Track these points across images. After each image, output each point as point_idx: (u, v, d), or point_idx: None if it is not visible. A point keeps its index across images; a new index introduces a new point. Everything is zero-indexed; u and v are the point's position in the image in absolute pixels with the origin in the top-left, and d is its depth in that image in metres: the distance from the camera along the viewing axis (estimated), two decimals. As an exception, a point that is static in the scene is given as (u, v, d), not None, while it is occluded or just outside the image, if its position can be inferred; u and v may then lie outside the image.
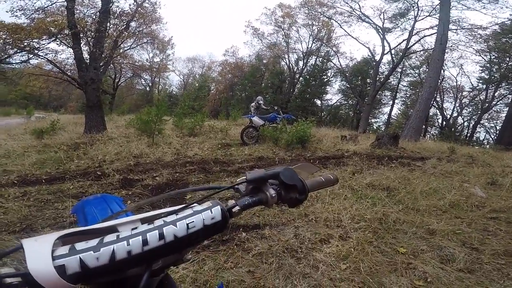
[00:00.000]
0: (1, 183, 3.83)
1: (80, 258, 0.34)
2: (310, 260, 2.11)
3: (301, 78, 27.47)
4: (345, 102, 29.68)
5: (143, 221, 0.43)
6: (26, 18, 8.42)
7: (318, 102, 28.94)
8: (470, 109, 23.26)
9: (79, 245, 0.35)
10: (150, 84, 33.04)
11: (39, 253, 0.33)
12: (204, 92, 28.84)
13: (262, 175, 0.54)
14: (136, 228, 0.39)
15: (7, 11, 8.16)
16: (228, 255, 2.14)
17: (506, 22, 15.12)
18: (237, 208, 0.49)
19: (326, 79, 27.56)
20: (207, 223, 0.42)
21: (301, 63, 27.24)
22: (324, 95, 28.98)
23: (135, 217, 0.43)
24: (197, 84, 29.53)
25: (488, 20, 16.34)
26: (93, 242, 0.36)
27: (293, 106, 24.76)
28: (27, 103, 27.69)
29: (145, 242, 0.37)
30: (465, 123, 24.02)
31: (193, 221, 0.41)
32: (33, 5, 8.26)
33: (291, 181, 0.54)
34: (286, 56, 26.96)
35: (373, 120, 27.97)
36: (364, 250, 2.20)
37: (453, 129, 22.63)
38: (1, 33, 8.01)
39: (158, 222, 0.40)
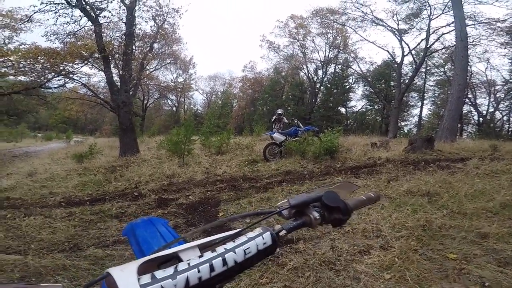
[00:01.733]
0: (48, 204, 4.15)
1: (161, 286, 0.37)
2: (350, 272, 2.01)
3: (322, 87, 27.29)
4: (371, 107, 28.91)
5: (201, 247, 0.47)
6: (60, 43, 9.02)
7: (343, 110, 28.49)
8: (507, 103, 21.79)
9: (159, 274, 0.38)
10: (176, 104, 34.55)
11: (128, 282, 0.36)
12: (228, 109, 29.53)
13: (305, 199, 0.56)
14: (201, 256, 0.42)
15: (42, 36, 8.79)
16: (262, 271, 2.11)
17: None
18: (283, 232, 0.52)
19: (348, 86, 27.18)
20: (260, 248, 0.46)
21: (320, 72, 27.18)
22: (348, 102, 28.54)
23: (193, 243, 0.47)
24: (220, 102, 30.38)
25: (504, 12, 15.49)
26: (170, 270, 0.39)
27: (317, 116, 24.52)
28: (66, 127, 29.90)
29: (212, 268, 0.41)
30: (505, 118, 22.44)
31: (249, 247, 0.45)
32: (64, 30, 8.79)
33: (334, 203, 0.56)
34: (305, 67, 27.06)
35: (402, 124, 26.92)
36: (408, 259, 2.07)
37: (491, 125, 21.13)
38: (39, 57, 8.61)
39: (220, 250, 0.43)
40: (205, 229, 0.54)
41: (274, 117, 8.72)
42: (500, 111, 22.39)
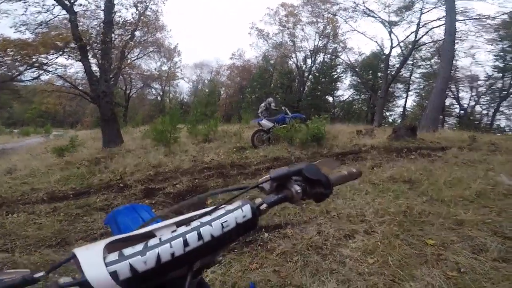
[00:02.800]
0: (31, 201, 4.01)
1: (129, 263, 0.35)
2: (336, 256, 2.09)
3: (310, 76, 27.31)
4: (358, 97, 29.30)
5: (178, 224, 0.43)
6: (31, 33, 8.38)
7: (330, 98, 28.74)
8: (488, 98, 22.72)
9: (127, 251, 0.37)
10: (161, 93, 33.65)
11: (93, 260, 0.35)
12: (215, 98, 29.10)
13: (286, 172, 0.54)
14: (175, 231, 0.40)
15: (10, 27, 8.15)
16: (252, 256, 2.16)
17: None
18: (264, 205, 0.50)
19: (336, 76, 27.31)
20: (239, 221, 0.44)
21: (309, 61, 27.09)
22: (335, 92, 28.76)
23: (170, 221, 0.44)
24: (207, 90, 29.88)
25: (496, 10, 15.84)
26: (139, 247, 0.37)
27: (305, 105, 24.63)
28: (44, 121, 28.66)
29: (185, 243, 0.39)
30: (484, 111, 23.41)
31: (227, 220, 0.43)
32: (35, 20, 8.17)
33: (315, 176, 0.55)
34: (293, 55, 26.85)
35: (387, 113, 27.49)
36: (391, 244, 2.17)
37: (471, 118, 21.95)
38: (8, 50, 8.04)
39: (195, 224, 0.41)
40: (182, 206, 0.52)
41: (263, 104, 8.62)
42: (481, 105, 23.34)
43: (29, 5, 7.65)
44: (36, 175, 5.63)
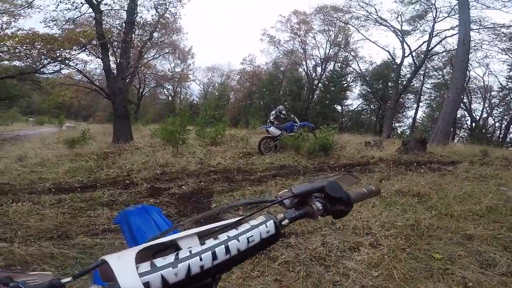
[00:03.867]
0: (37, 190, 4.05)
1: (161, 274, 0.36)
2: (339, 268, 2.05)
3: (319, 84, 27.25)
4: (367, 107, 29.03)
5: (199, 235, 0.44)
6: (58, 29, 8.77)
7: (339, 108, 28.55)
8: (501, 109, 22.14)
9: (158, 262, 0.37)
10: (172, 94, 34.08)
11: (126, 270, 0.35)
12: (224, 101, 29.32)
13: (309, 189, 0.55)
14: (204, 243, 0.41)
15: (40, 22, 8.56)
16: (254, 264, 2.13)
17: None
18: (286, 221, 0.51)
19: (345, 84, 27.18)
20: (264, 236, 0.45)
21: (319, 69, 27.09)
22: (344, 101, 28.57)
23: (192, 231, 0.44)
24: (217, 93, 30.12)
25: (510, 18, 15.64)
26: (170, 258, 0.38)
27: (313, 113, 24.55)
28: (59, 113, 29.31)
29: (214, 256, 0.40)
30: (497, 124, 22.82)
31: (252, 235, 0.44)
32: (63, 16, 8.60)
33: (337, 194, 0.55)
34: (304, 63, 26.90)
35: (397, 125, 27.12)
36: (396, 257, 2.12)
37: (484, 131, 21.47)
38: (36, 43, 8.33)
39: (222, 237, 0.42)
40: (204, 217, 0.53)
41: (273, 111, 8.44)
42: (493, 117, 22.77)
43: (60, 2, 8.08)
44: (45, 165, 5.72)
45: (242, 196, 3.90)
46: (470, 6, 11.39)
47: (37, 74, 9.89)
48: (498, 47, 16.46)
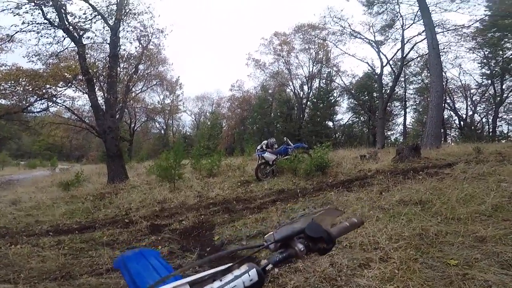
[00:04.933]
0: (35, 233, 4.00)
1: None
2: (352, 286, 1.98)
3: (308, 102, 27.84)
4: (357, 119, 29.57)
5: (191, 283, 0.49)
6: (42, 64, 8.75)
7: (330, 123, 28.99)
8: (484, 105, 22.82)
9: None
10: (165, 127, 34.35)
11: None
12: (217, 130, 29.53)
13: (289, 233, 0.59)
14: None
15: (23, 56, 8.57)
16: (263, 294, 2.05)
17: (484, 18, 15.45)
18: (270, 266, 0.54)
19: (333, 100, 27.84)
20: (247, 285, 0.48)
21: (306, 88, 27.86)
22: (334, 116, 29.11)
23: (183, 281, 0.49)
24: (209, 123, 30.43)
25: (468, 19, 16.69)
26: None
27: (306, 132, 24.82)
28: (50, 154, 28.95)
29: None
30: (483, 119, 23.39)
31: (236, 286, 0.47)
32: (46, 50, 8.58)
33: (317, 234, 0.59)
34: (290, 83, 27.69)
35: (389, 133, 27.54)
36: (410, 269, 2.05)
37: (473, 128, 21.88)
38: (20, 79, 8.31)
39: None
40: (198, 265, 0.57)
41: (266, 142, 8.25)
42: (479, 114, 23.37)
43: (41, 36, 8.09)
44: (41, 208, 5.67)
45: (244, 225, 3.82)
46: (430, 11, 12.06)
47: (25, 113, 9.84)
48: (465, 47, 17.49)
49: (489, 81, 20.43)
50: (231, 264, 0.53)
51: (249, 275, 0.49)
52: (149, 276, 0.77)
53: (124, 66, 10.52)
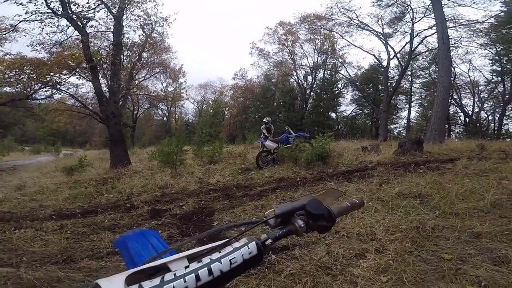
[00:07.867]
0: (39, 217, 4.07)
1: None
2: (347, 276, 2.01)
3: (312, 93, 27.56)
4: (360, 111, 29.30)
5: (189, 257, 0.48)
6: (46, 52, 8.72)
7: (333, 115, 28.77)
8: (491, 103, 22.44)
9: (146, 284, 0.39)
10: (167, 114, 34.23)
11: None
12: (219, 118, 29.43)
13: (290, 208, 0.58)
14: (188, 266, 0.43)
15: (27, 45, 8.53)
16: (259, 279, 2.09)
17: (500, 14, 15.03)
18: (269, 241, 0.54)
19: (337, 91, 27.51)
20: (246, 257, 0.47)
21: (310, 78, 27.46)
22: (338, 107, 28.83)
23: (182, 254, 0.48)
24: (211, 111, 30.35)
25: (482, 14, 16.12)
26: (156, 280, 0.40)
27: (308, 122, 24.68)
28: (54, 140, 29.15)
29: (197, 278, 0.42)
30: (490, 117, 23.10)
31: (235, 257, 0.46)
32: (50, 39, 8.54)
33: (317, 211, 0.58)
34: (294, 73, 27.29)
35: (392, 126, 27.34)
36: (404, 261, 2.09)
37: (478, 125, 21.66)
38: (25, 68, 8.35)
39: (206, 260, 0.45)
40: (195, 239, 0.56)
41: (262, 127, 8.34)
42: (485, 111, 23.03)
43: (45, 25, 8.05)
44: (45, 193, 5.75)
45: (243, 212, 3.87)
46: (443, 5, 11.76)
47: (29, 100, 9.90)
48: (477, 43, 16.99)
49: (499, 78, 20.03)
50: (230, 238, 0.52)
51: (248, 248, 0.48)
52: (148, 254, 0.77)
53: (128, 54, 10.48)
